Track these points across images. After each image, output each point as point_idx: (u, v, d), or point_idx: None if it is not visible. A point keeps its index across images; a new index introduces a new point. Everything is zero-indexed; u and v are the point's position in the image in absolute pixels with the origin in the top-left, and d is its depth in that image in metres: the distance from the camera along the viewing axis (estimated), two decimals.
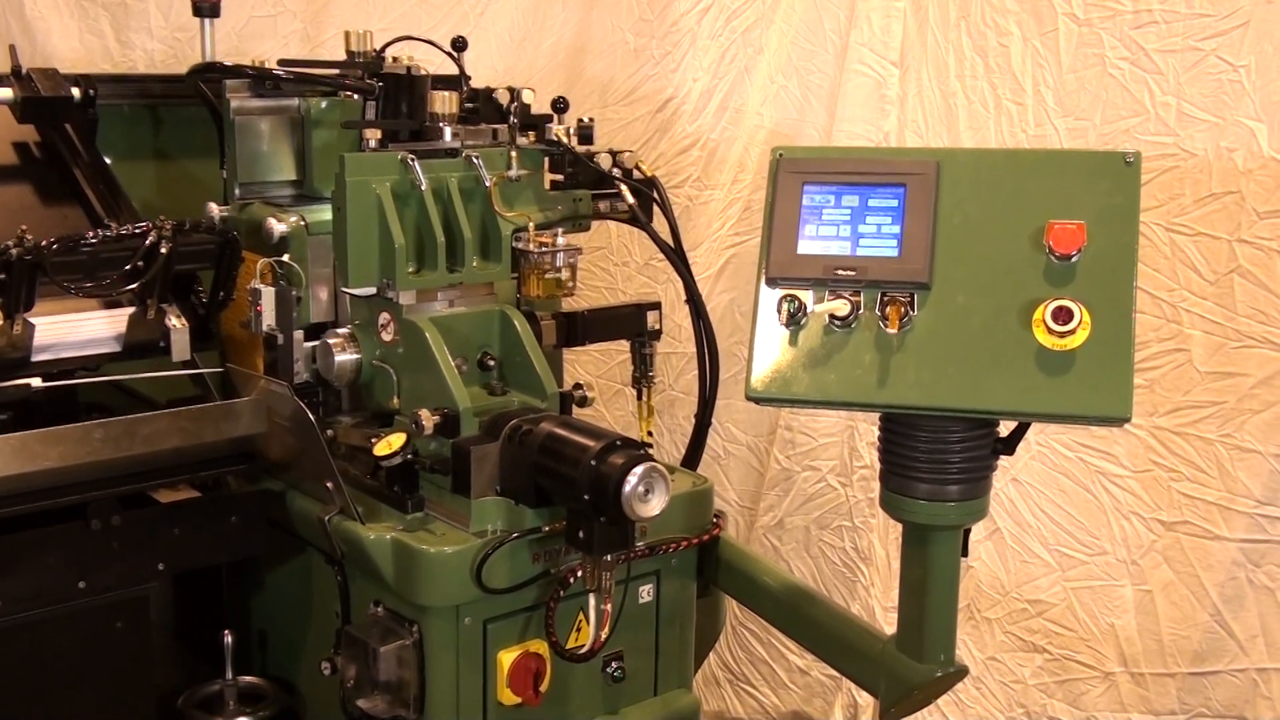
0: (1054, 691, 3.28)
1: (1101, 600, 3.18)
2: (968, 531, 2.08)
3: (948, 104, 3.31)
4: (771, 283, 2.00)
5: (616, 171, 2.64)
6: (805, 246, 1.99)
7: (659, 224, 2.73)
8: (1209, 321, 2.98)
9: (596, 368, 3.85)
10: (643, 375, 2.84)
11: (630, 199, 2.64)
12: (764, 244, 2.02)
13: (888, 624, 3.51)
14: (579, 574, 2.31)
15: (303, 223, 2.56)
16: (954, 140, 3.30)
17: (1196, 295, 2.99)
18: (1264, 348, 2.90)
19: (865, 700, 3.56)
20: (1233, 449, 2.97)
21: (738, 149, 3.61)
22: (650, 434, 2.91)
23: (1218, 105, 2.93)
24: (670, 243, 2.73)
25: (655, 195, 2.72)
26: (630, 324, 2.79)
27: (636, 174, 2.70)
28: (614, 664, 2.46)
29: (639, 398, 2.88)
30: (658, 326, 2.83)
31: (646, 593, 2.51)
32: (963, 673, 2.11)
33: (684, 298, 3.53)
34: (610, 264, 3.85)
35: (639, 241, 3.76)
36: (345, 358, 2.48)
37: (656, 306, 2.82)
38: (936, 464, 2.00)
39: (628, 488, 2.10)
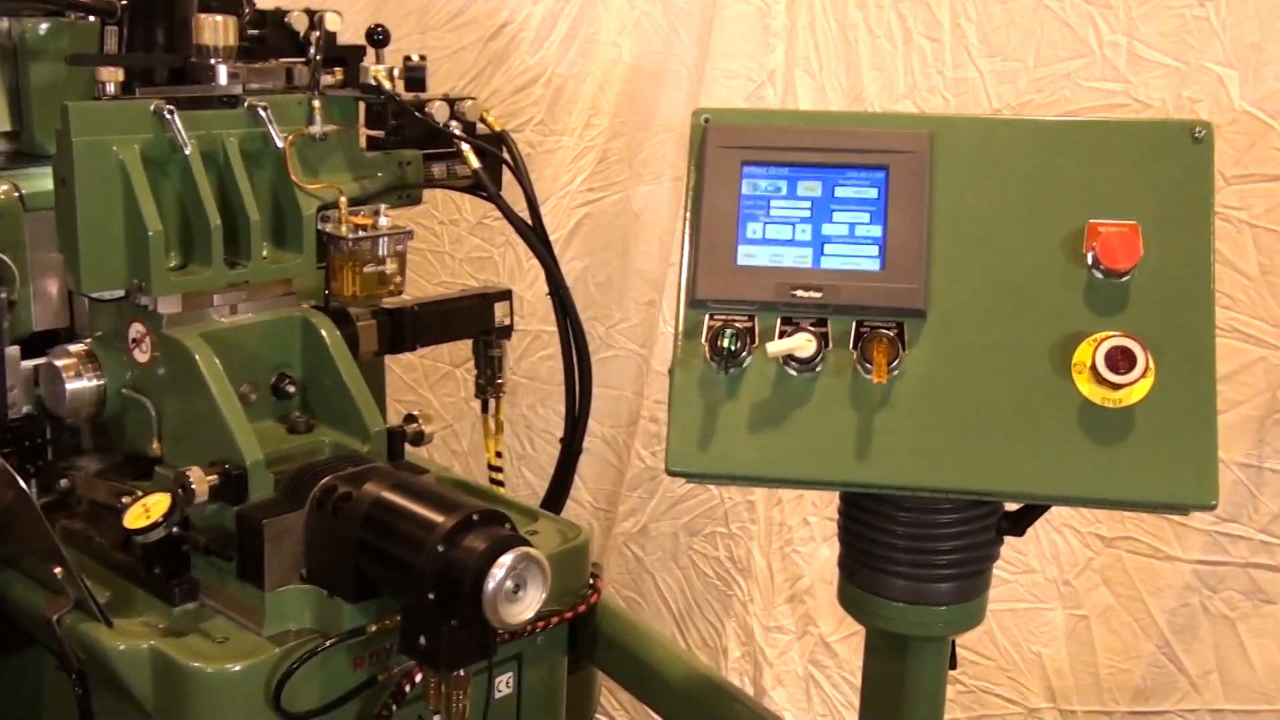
0: None
1: (1026, 625, 2.74)
2: None
3: (846, 38, 2.76)
4: (698, 305, 1.40)
5: (455, 126, 1.99)
6: (747, 255, 1.40)
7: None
8: None
9: None
10: (489, 383, 2.24)
11: (474, 162, 2.00)
12: (687, 249, 1.42)
13: (769, 645, 3.04)
14: (419, 678, 1.70)
15: (16, 193, 1.87)
16: (855, 84, 2.75)
17: None
18: (1231, 338, 2.44)
19: None
20: None
21: (590, 87, 3.01)
22: (499, 454, 2.31)
23: (1179, 47, 2.45)
24: (524, 217, 2.11)
25: (506, 156, 2.08)
26: (474, 320, 2.18)
27: (481, 128, 2.05)
28: None
29: (484, 410, 2.28)
30: (508, 321, 2.22)
31: (505, 683, 1.92)
32: None
33: (540, 278, 2.96)
34: (435, 222, 3.23)
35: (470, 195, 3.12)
36: (80, 385, 1.80)
37: (506, 296, 2.20)
38: (921, 553, 1.45)
39: (491, 584, 1.51)
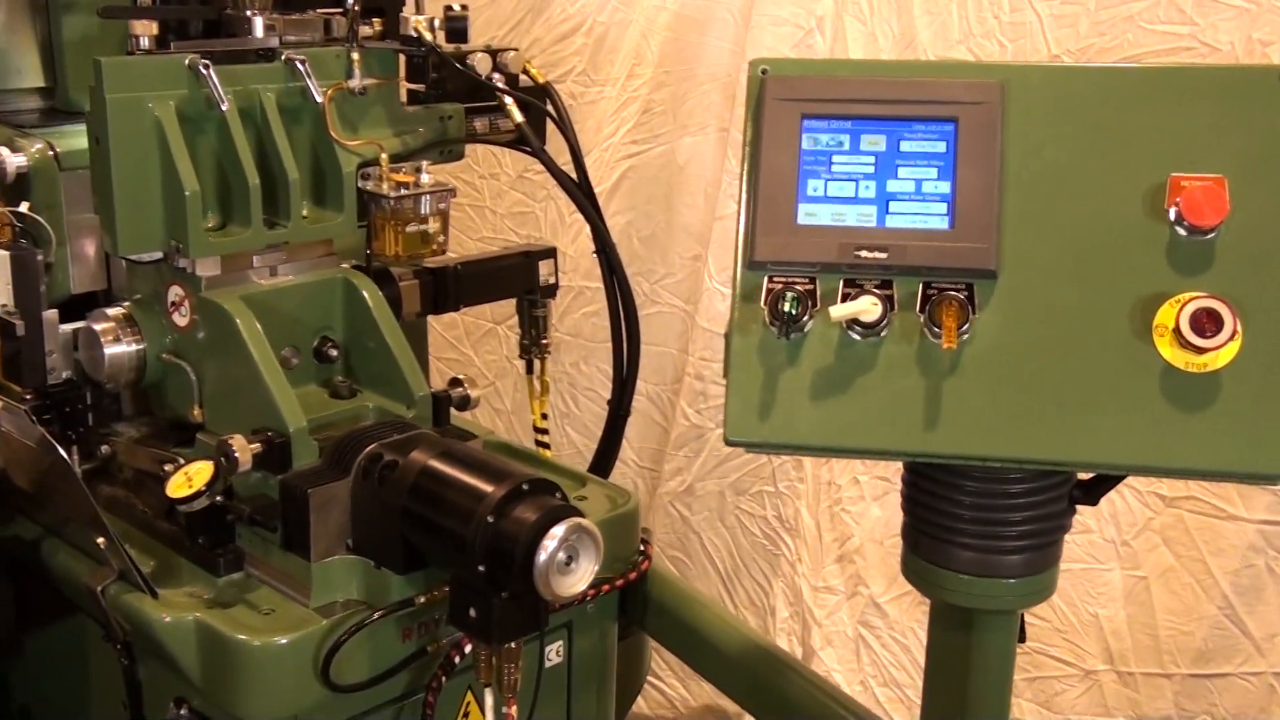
0: (1021, 690, 2.78)
1: (1083, 586, 2.67)
2: None
3: None
4: (756, 267, 1.34)
5: (498, 78, 1.92)
6: (808, 213, 1.33)
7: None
8: None
9: None
10: (534, 343, 2.19)
11: (518, 116, 1.93)
12: (744, 208, 1.35)
13: (818, 605, 2.99)
14: (467, 650, 1.67)
15: (51, 151, 1.81)
16: (907, 30, 2.65)
17: None
18: None
19: None
20: None
21: (633, 35, 2.92)
22: (545, 416, 2.25)
23: None
24: (568, 171, 2.05)
25: (550, 109, 2.01)
26: (518, 278, 2.12)
27: (524, 80, 1.98)
28: None
29: (529, 370, 2.22)
30: (552, 280, 2.16)
31: (555, 652, 1.88)
32: None
33: (584, 233, 2.90)
34: (475, 176, 3.15)
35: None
36: (119, 350, 1.76)
37: (551, 254, 2.14)
38: (990, 524, 1.39)
39: (543, 556, 1.46)
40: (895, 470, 2.79)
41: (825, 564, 2.96)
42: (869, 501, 2.87)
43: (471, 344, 3.26)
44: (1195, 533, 2.55)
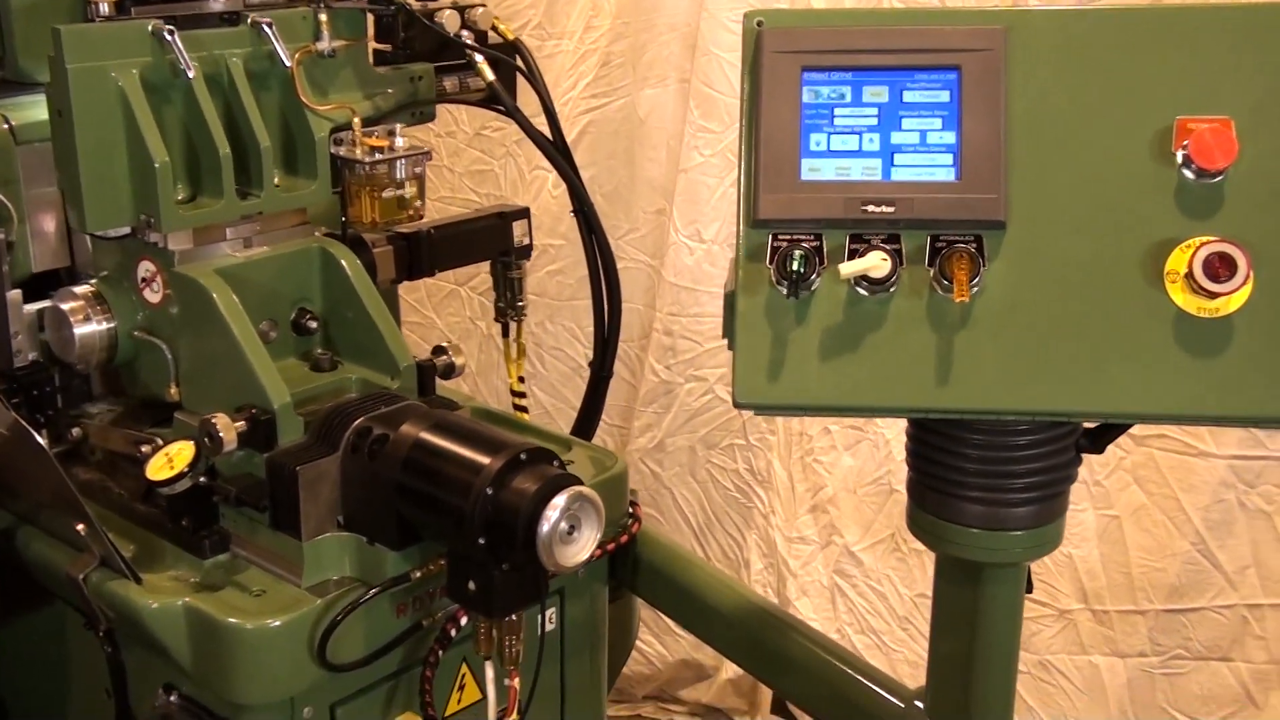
0: None
1: None
2: None
3: None
4: (760, 226, 1.31)
5: (467, 35, 1.86)
6: (811, 169, 1.30)
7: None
8: None
9: None
10: (509, 305, 2.14)
11: (489, 74, 1.88)
12: (745, 167, 1.32)
13: (792, 556, 2.99)
14: (464, 621, 1.64)
15: (5, 125, 1.74)
16: None
17: None
18: None
19: None
20: None
21: None
22: (521, 379, 2.22)
23: None
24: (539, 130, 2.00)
25: (520, 65, 1.96)
26: (492, 240, 2.07)
27: (493, 37, 1.93)
28: None
29: (505, 334, 2.18)
30: (526, 240, 2.11)
31: (550, 619, 1.85)
32: None
33: (544, 190, 2.85)
34: (431, 135, 3.07)
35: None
36: (89, 329, 1.69)
37: (524, 214, 2.09)
38: (996, 477, 1.38)
39: (545, 527, 1.43)
40: (867, 420, 2.80)
41: (799, 515, 2.96)
42: (841, 451, 2.87)
43: (434, 306, 3.21)
44: (1167, 471, 2.58)
